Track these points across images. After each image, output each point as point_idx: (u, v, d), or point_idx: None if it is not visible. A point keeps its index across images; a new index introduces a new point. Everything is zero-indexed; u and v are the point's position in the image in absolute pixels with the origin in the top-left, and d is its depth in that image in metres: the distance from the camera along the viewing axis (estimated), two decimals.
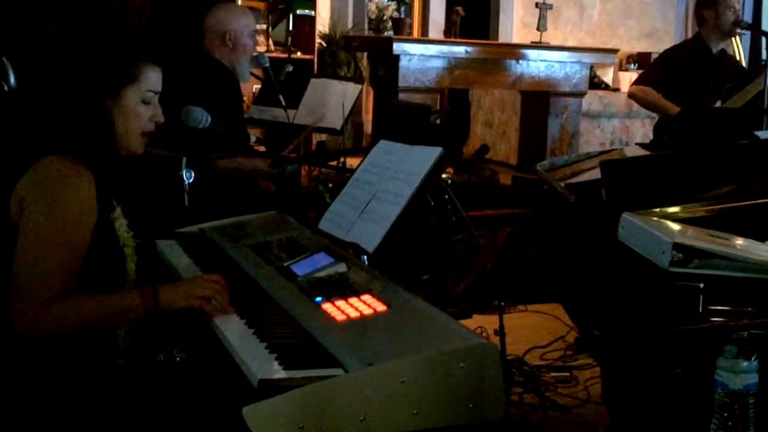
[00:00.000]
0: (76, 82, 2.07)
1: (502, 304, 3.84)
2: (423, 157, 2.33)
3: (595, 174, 3.10)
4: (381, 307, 1.95)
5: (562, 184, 2.75)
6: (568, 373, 3.60)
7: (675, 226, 1.88)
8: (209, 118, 3.09)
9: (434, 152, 2.32)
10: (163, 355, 2.19)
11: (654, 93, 4.85)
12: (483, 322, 3.44)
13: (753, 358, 1.52)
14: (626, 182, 2.38)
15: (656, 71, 5.02)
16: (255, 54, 4.10)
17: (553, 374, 3.60)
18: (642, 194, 2.26)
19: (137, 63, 2.12)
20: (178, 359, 2.22)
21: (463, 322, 2.29)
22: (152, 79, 2.15)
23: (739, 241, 1.84)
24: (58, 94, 2.08)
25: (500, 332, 3.20)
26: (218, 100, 3.48)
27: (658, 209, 2.06)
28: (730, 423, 1.50)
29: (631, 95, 5.12)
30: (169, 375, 2.15)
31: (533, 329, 4.15)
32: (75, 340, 2.01)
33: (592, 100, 6.68)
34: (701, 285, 1.68)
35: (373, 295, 2.02)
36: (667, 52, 5.31)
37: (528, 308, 4.50)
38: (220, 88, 3.73)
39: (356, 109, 4.96)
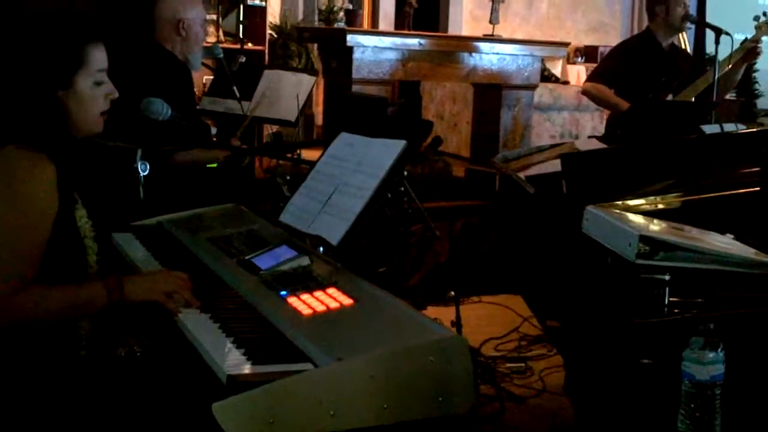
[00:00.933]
0: (24, 76, 2.02)
1: (456, 294, 3.87)
2: (387, 150, 2.32)
3: (549, 166, 3.14)
4: (347, 301, 1.94)
5: (523, 177, 2.76)
6: (523, 364, 3.64)
7: (639, 219, 1.91)
8: (169, 110, 3.05)
9: (398, 145, 2.31)
10: (123, 349, 2.17)
11: (607, 90, 4.91)
12: (438, 314, 3.45)
13: (719, 349, 1.55)
14: (586, 175, 2.40)
15: (607, 67, 5.07)
16: (209, 45, 4.05)
17: (509, 365, 3.63)
18: (601, 187, 2.29)
19: (83, 46, 2.07)
20: (138, 354, 2.20)
21: None
22: (99, 58, 2.11)
23: (700, 234, 1.87)
24: (7, 87, 2.03)
25: (457, 324, 3.22)
26: (172, 92, 3.42)
27: (619, 202, 2.09)
28: (697, 414, 1.53)
29: (584, 92, 5.16)
30: (130, 369, 2.13)
31: (488, 320, 4.19)
32: (36, 329, 1.98)
33: (542, 93, 6.74)
34: (666, 277, 1.70)
35: (339, 289, 2.01)
36: (617, 47, 5.37)
37: (482, 299, 4.53)
38: (174, 80, 3.68)
39: (307, 101, 4.93)
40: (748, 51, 4.76)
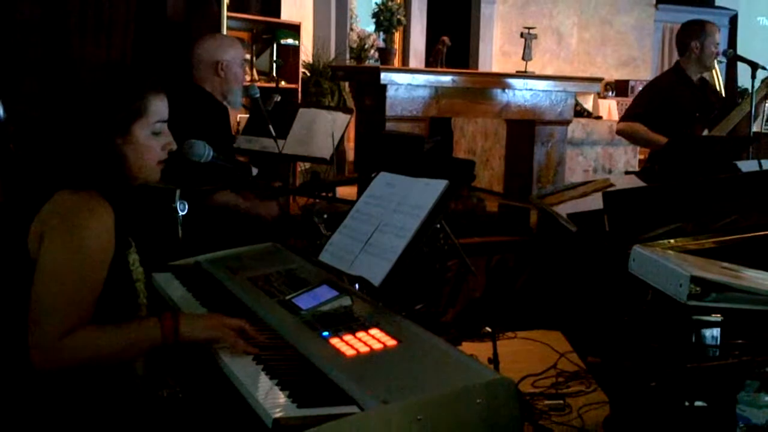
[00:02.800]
0: (84, 123, 2.05)
1: (493, 330, 3.83)
2: (428, 190, 2.32)
3: (586, 202, 3.12)
4: (391, 342, 1.93)
5: (564, 214, 2.74)
6: (561, 401, 3.59)
7: (688, 259, 1.87)
8: (212, 152, 3.06)
9: (439, 185, 2.30)
10: (166, 390, 2.16)
11: (642, 128, 4.88)
12: (473, 349, 3.41)
13: None
14: (629, 212, 2.38)
15: (641, 105, 5.04)
16: (246, 85, 4.09)
17: (547, 402, 3.58)
18: (644, 224, 2.26)
19: (143, 96, 2.10)
20: (180, 396, 2.19)
21: None
22: (159, 109, 2.14)
23: (751, 273, 1.84)
24: (67, 133, 2.05)
25: (494, 360, 3.18)
26: (211, 132, 3.45)
27: (666, 241, 2.06)
28: None
29: (619, 132, 5.14)
30: (173, 411, 2.12)
31: (524, 356, 4.14)
32: (93, 371, 1.99)
33: (574, 128, 6.72)
34: (719, 318, 1.67)
35: (381, 329, 2.00)
36: (649, 85, 5.34)
37: (517, 335, 4.49)
38: (212, 120, 3.71)
39: (341, 138, 4.95)
40: None
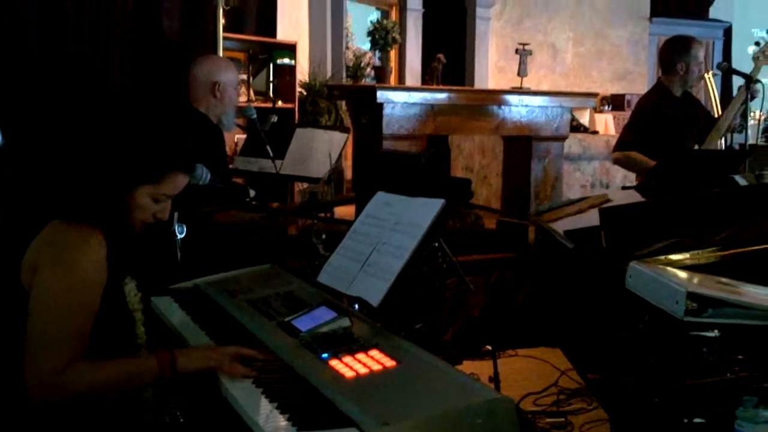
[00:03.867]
0: (100, 163, 2.05)
1: (493, 349, 3.81)
2: (425, 209, 2.32)
3: (583, 218, 3.12)
4: (390, 363, 1.93)
5: (561, 231, 2.75)
6: (563, 419, 3.58)
7: (684, 274, 1.88)
8: (209, 175, 3.07)
9: (436, 204, 2.31)
10: (168, 417, 2.16)
11: (639, 156, 4.86)
12: (474, 368, 3.40)
13: None
14: (625, 228, 2.38)
15: (632, 132, 5.01)
16: (243, 106, 4.10)
17: (548, 420, 3.57)
18: (641, 240, 2.26)
19: (166, 171, 2.11)
20: (182, 420, 2.19)
21: None
22: (175, 185, 2.14)
23: (749, 288, 1.85)
24: (76, 171, 2.05)
25: (495, 379, 3.18)
26: (206, 154, 3.47)
27: (662, 257, 2.06)
28: None
29: (616, 162, 5.14)
30: None
31: (525, 374, 4.12)
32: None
33: (571, 143, 6.73)
34: (715, 333, 1.68)
35: (381, 350, 2.00)
36: (636, 110, 5.31)
37: (518, 352, 4.48)
38: (207, 141, 3.72)
39: (338, 157, 4.95)
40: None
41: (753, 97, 4.82)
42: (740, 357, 1.67)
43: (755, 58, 4.88)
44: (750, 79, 4.65)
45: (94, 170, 2.05)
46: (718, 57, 10.69)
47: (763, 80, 4.67)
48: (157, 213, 2.16)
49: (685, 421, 1.63)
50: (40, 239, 1.98)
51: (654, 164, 4.77)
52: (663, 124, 4.83)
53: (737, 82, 4.95)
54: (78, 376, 1.93)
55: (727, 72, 5.23)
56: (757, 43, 4.91)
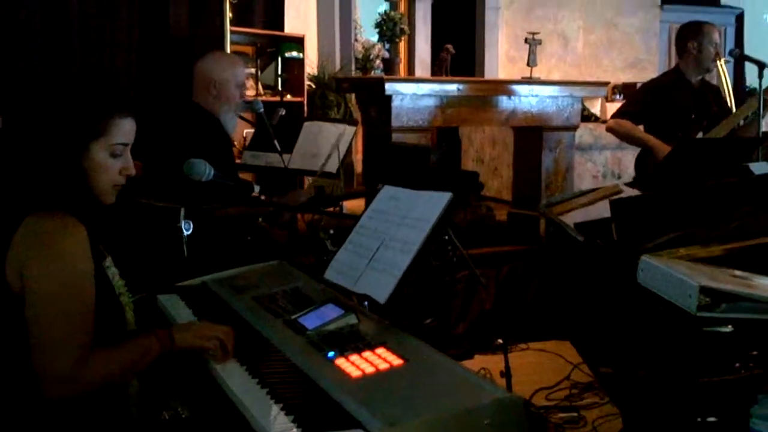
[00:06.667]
0: (45, 140, 2.02)
1: (504, 343, 3.78)
2: (432, 203, 2.28)
3: (594, 210, 3.08)
4: (397, 362, 1.89)
5: (572, 224, 2.70)
6: (575, 414, 3.55)
7: (698, 268, 1.83)
8: (212, 171, 3.04)
9: (443, 198, 2.27)
10: (168, 413, 2.14)
11: (630, 125, 4.86)
12: (486, 363, 3.38)
13: None
14: (637, 220, 2.34)
15: (632, 103, 5.04)
16: (250, 100, 4.06)
17: (561, 415, 3.54)
18: (653, 232, 2.22)
19: (105, 118, 2.06)
20: (183, 416, 2.17)
21: (466, 363, 2.24)
22: (122, 131, 2.09)
23: (762, 281, 1.80)
24: (29, 151, 2.03)
25: (506, 374, 3.14)
26: (210, 151, 3.44)
27: (675, 250, 2.02)
28: None
29: (609, 129, 5.11)
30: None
31: (537, 368, 4.09)
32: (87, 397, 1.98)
33: (582, 133, 6.68)
34: (729, 328, 1.63)
35: (388, 349, 1.96)
36: (645, 85, 5.32)
37: (530, 346, 4.44)
38: (211, 138, 3.69)
39: (348, 150, 4.92)
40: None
41: None
42: (755, 353, 1.63)
43: None
44: (763, 66, 4.58)
45: (38, 146, 2.02)
46: (730, 44, 10.58)
47: None
48: (123, 170, 2.12)
49: (699, 420, 1.59)
50: (22, 235, 1.95)
51: (643, 136, 4.74)
52: (666, 108, 4.79)
53: (750, 68, 4.88)
54: (94, 367, 1.94)
55: (739, 59, 5.16)
56: None
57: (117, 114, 2.08)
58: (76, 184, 2.03)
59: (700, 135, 4.71)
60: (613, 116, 5.09)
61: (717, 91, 5.39)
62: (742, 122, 4.65)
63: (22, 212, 1.98)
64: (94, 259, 2.02)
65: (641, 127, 4.89)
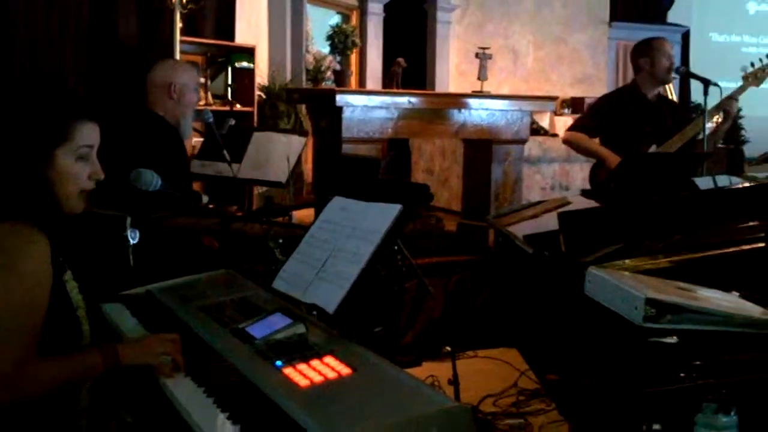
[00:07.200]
0: (5, 150, 1.98)
1: (452, 350, 3.78)
2: (382, 215, 2.28)
3: (542, 222, 3.11)
4: (345, 371, 1.89)
5: (521, 236, 2.73)
6: (522, 420, 3.56)
7: (643, 280, 1.86)
8: (159, 181, 3.01)
9: (393, 210, 2.27)
10: (115, 422, 2.12)
11: (585, 138, 4.93)
12: (434, 370, 3.37)
13: (732, 413, 1.50)
14: (584, 233, 2.36)
15: (589, 118, 5.11)
16: (200, 109, 4.05)
17: (508, 422, 3.55)
18: (600, 244, 2.24)
19: (67, 122, 2.03)
20: (130, 424, 2.15)
21: (414, 370, 2.24)
22: (85, 134, 2.06)
23: (706, 293, 1.83)
24: None
25: (454, 382, 3.15)
26: (164, 159, 3.41)
27: (620, 261, 2.04)
28: None
29: (564, 141, 5.19)
30: None
31: (484, 375, 4.09)
32: (39, 402, 1.95)
33: (531, 146, 6.76)
34: (674, 339, 1.66)
35: (336, 358, 1.95)
36: (601, 99, 5.40)
37: (477, 354, 4.46)
38: (166, 146, 3.66)
39: (298, 160, 4.91)
40: (725, 112, 4.79)
41: (727, 114, 4.82)
42: (699, 363, 1.65)
43: (744, 78, 4.89)
44: (708, 83, 4.67)
45: (6, 154, 1.97)
46: (676, 61, 10.78)
47: (721, 84, 4.69)
48: (92, 174, 2.09)
49: (644, 427, 1.60)
50: None
51: (597, 149, 4.81)
52: (621, 122, 4.86)
53: (695, 85, 4.98)
54: (30, 378, 1.90)
55: (685, 76, 5.26)
56: (752, 64, 4.90)
57: (79, 118, 2.05)
58: (41, 194, 1.99)
59: (653, 149, 4.78)
60: (569, 129, 5.16)
61: (673, 105, 5.48)
62: (701, 136, 4.73)
63: None
64: (54, 271, 1.99)
65: (597, 140, 4.96)
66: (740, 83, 4.87)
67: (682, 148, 4.75)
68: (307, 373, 1.89)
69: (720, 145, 8.33)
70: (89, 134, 2.07)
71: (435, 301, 4.58)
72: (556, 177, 7.27)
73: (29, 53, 5.15)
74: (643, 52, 4.94)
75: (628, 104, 4.92)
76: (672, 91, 6.62)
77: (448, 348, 4.12)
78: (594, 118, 5.02)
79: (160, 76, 3.82)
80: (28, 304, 1.92)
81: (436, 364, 3.82)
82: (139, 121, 3.72)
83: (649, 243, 2.23)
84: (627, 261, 2.05)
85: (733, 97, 4.77)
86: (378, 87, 8.76)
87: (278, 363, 1.97)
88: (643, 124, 4.86)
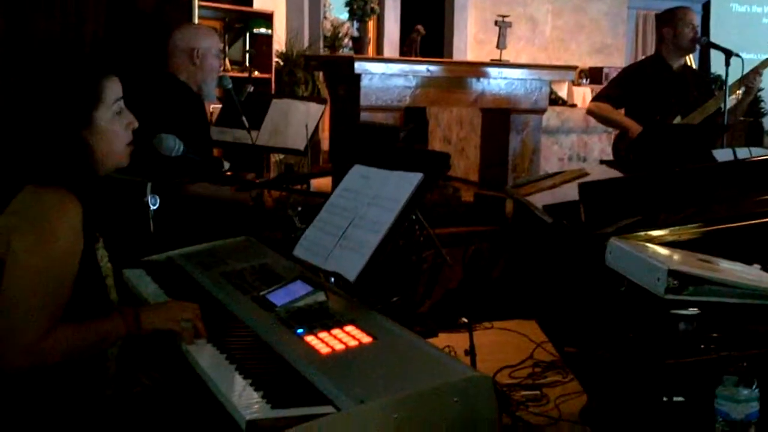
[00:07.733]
0: (45, 119, 1.99)
1: (469, 321, 3.80)
2: (403, 183, 2.28)
3: (561, 192, 3.10)
4: (366, 339, 1.90)
5: (540, 205, 2.73)
6: (538, 392, 3.58)
7: (665, 251, 1.86)
8: (182, 146, 3.02)
9: (414, 178, 2.27)
10: (139, 387, 2.15)
11: (609, 109, 4.90)
12: (450, 341, 3.38)
13: (753, 387, 1.50)
14: (605, 204, 2.36)
15: (614, 88, 5.07)
16: (219, 75, 4.03)
17: (524, 393, 3.57)
18: (620, 215, 2.24)
19: (96, 82, 2.05)
20: (154, 391, 2.17)
21: (431, 341, 2.25)
22: (114, 89, 2.09)
23: (728, 265, 1.83)
24: (31, 129, 2.00)
25: (471, 353, 3.16)
26: (185, 123, 3.41)
27: (642, 233, 2.04)
28: None
29: (588, 112, 5.16)
30: (146, 408, 2.09)
31: (500, 347, 4.10)
32: (66, 369, 1.97)
33: (549, 116, 6.71)
34: (695, 311, 1.66)
35: (357, 326, 1.97)
36: (625, 69, 5.36)
37: (494, 325, 4.46)
38: (187, 110, 3.66)
39: (315, 128, 4.91)
40: (747, 87, 4.76)
41: (750, 88, 4.79)
42: (720, 335, 1.65)
43: None
44: (730, 54, 4.63)
45: (42, 120, 1.99)
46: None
47: (743, 55, 4.64)
48: (128, 125, 2.13)
49: (665, 399, 1.61)
50: (15, 206, 1.94)
51: (622, 120, 4.79)
52: (646, 93, 4.82)
53: (715, 56, 4.93)
54: (54, 343, 1.92)
55: (706, 46, 5.21)
56: None
57: (105, 76, 2.08)
58: (81, 160, 2.02)
59: (678, 120, 4.75)
60: (594, 99, 5.13)
61: (699, 75, 5.44)
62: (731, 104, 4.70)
63: (22, 181, 1.96)
64: (86, 240, 2.00)
65: (622, 111, 4.93)
66: (762, 55, 4.82)
67: (704, 121, 4.72)
68: (328, 341, 1.91)
69: (740, 118, 8.28)
70: (116, 88, 2.10)
71: (452, 271, 4.60)
72: (574, 148, 7.24)
73: (46, 19, 5.13)
74: (667, 22, 4.89)
75: (653, 75, 4.88)
76: (692, 63, 6.55)
77: (465, 319, 4.14)
78: (619, 88, 4.99)
79: (182, 41, 3.80)
80: (59, 272, 1.93)
81: (452, 335, 3.83)
82: (162, 86, 3.72)
83: (670, 214, 2.22)
84: (648, 232, 2.05)
85: (757, 70, 4.73)
86: (395, 55, 8.72)
87: (299, 331, 1.98)
88: (668, 95, 4.83)
